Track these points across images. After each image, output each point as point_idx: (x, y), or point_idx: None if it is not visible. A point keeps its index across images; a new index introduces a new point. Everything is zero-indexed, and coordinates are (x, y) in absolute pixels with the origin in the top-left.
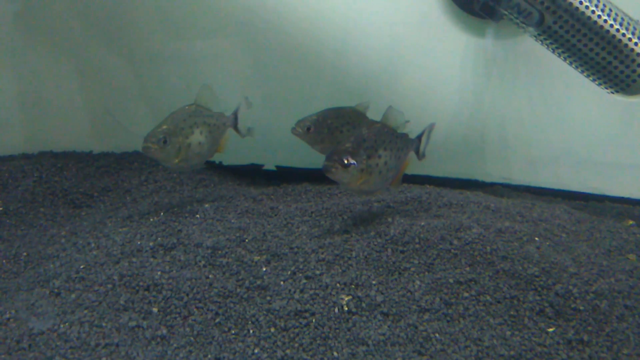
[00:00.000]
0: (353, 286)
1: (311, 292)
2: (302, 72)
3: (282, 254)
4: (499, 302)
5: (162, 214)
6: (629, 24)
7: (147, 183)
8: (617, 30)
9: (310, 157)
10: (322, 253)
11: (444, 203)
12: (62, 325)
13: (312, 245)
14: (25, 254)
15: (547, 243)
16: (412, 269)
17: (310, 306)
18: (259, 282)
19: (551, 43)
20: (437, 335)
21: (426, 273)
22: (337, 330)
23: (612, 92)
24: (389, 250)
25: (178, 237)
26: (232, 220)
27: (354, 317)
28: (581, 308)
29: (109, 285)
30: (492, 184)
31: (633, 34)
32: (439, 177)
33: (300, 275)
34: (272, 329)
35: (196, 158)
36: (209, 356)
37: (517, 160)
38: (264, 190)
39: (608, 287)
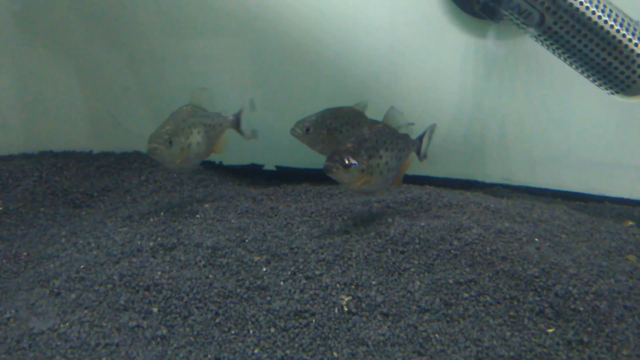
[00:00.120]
0: (353, 286)
1: (311, 292)
2: (302, 72)
3: (282, 254)
4: (498, 302)
5: (162, 214)
6: (629, 24)
7: (147, 183)
8: (618, 31)
9: (310, 158)
10: (322, 253)
11: (444, 204)
12: (62, 325)
13: (312, 245)
14: (25, 253)
15: (547, 244)
16: (412, 269)
17: (310, 306)
18: (259, 282)
19: (551, 44)
20: (436, 335)
21: (426, 273)
22: (337, 331)
23: (612, 93)
24: (389, 250)
25: (178, 237)
26: (232, 221)
27: (353, 317)
28: (581, 309)
29: (109, 285)
30: (492, 185)
31: (633, 34)
32: (439, 178)
33: (300, 275)
34: (272, 329)
35: (195, 158)
36: (209, 356)
37: (517, 161)
38: (264, 190)
39: (608, 288)
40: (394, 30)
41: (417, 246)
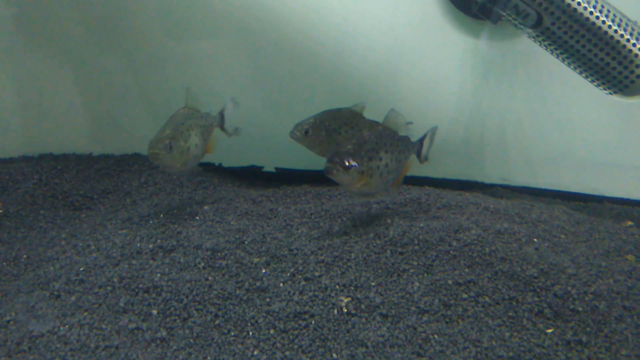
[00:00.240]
0: (352, 288)
1: (310, 293)
2: (301, 73)
3: (282, 256)
4: (497, 303)
5: (161, 216)
6: (627, 24)
7: (147, 185)
8: (615, 31)
9: (309, 159)
10: (322, 255)
11: (443, 204)
12: (62, 328)
13: (311, 247)
14: (25, 256)
15: (546, 244)
16: (411, 270)
17: (310, 308)
18: (258, 283)
19: (549, 44)
20: (436, 336)
21: (425, 274)
22: (337, 332)
23: (611, 93)
24: (388, 251)
25: (178, 239)
26: (232, 222)
27: (353, 318)
28: (580, 309)
29: (109, 288)
30: (491, 185)
31: (631, 34)
32: (438, 179)
33: (300, 277)
34: (272, 331)
35: (193, 160)
36: (209, 358)
37: (516, 162)
38: (263, 192)
39: (607, 288)
40: (393, 32)
41: (416, 247)
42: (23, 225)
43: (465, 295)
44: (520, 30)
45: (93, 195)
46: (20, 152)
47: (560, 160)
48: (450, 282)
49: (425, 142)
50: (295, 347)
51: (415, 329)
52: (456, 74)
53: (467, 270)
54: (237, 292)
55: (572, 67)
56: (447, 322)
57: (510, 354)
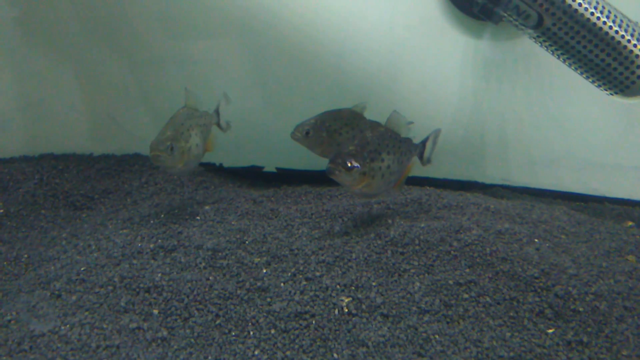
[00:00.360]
0: (353, 288)
1: (311, 293)
2: (302, 74)
3: (282, 256)
4: (498, 303)
5: (162, 215)
6: (627, 25)
7: (148, 185)
8: (616, 32)
9: (310, 159)
10: (322, 255)
11: (444, 205)
12: (62, 327)
13: (312, 247)
14: (26, 256)
15: (547, 244)
16: (412, 270)
17: (311, 308)
18: (259, 283)
19: (550, 45)
20: (436, 336)
21: (426, 274)
22: (337, 332)
23: (611, 94)
24: (389, 251)
25: (178, 239)
26: (233, 222)
27: (354, 318)
28: (581, 309)
29: (110, 287)
30: (492, 186)
31: (632, 35)
32: (439, 179)
33: (301, 276)
34: (272, 331)
35: (194, 160)
36: (209, 358)
37: (516, 162)
38: (264, 192)
39: (607, 289)
40: (393, 32)
41: (417, 247)
42: (24, 225)
43: (466, 296)
44: (521, 31)
45: (94, 195)
46: (21, 152)
47: (561, 161)
48: (451, 282)
49: (428, 145)
50: (296, 347)
51: (416, 329)
52: (457, 75)
53: (467, 270)
54: (238, 292)
55: (572, 67)
56: (448, 322)
57: (511, 354)
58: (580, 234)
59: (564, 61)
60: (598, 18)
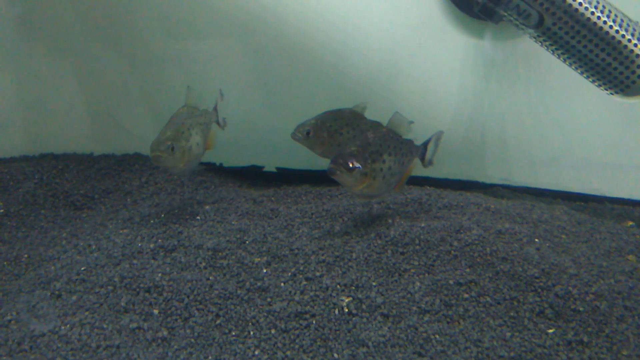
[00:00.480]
0: (353, 288)
1: (311, 293)
2: (302, 73)
3: (283, 256)
4: (499, 303)
5: (162, 215)
6: (628, 25)
7: (148, 185)
8: (617, 31)
9: (310, 159)
10: (323, 255)
11: (444, 204)
12: (63, 327)
13: (312, 246)
14: (26, 255)
15: (547, 244)
16: (412, 270)
17: (311, 308)
18: (259, 283)
19: (550, 44)
20: (437, 336)
21: (426, 274)
22: (338, 332)
23: (612, 94)
24: (389, 251)
25: (179, 238)
26: (233, 222)
27: (354, 318)
28: (581, 309)
29: (110, 287)
30: (492, 185)
31: (632, 35)
32: (439, 179)
33: (301, 276)
34: (273, 331)
35: (195, 159)
36: (210, 358)
37: (517, 162)
38: (264, 192)
39: (608, 288)
40: (394, 32)
41: (417, 247)
42: (24, 225)
43: (466, 295)
44: (521, 30)
45: (94, 195)
46: (22, 151)
47: (561, 161)
48: (451, 282)
49: (430, 147)
50: (297, 347)
51: (416, 329)
52: (457, 74)
53: (468, 270)
54: (238, 291)
55: (573, 67)
56: (448, 322)
57: (512, 354)
58: (580, 233)
59: (565, 61)
60: (598, 17)
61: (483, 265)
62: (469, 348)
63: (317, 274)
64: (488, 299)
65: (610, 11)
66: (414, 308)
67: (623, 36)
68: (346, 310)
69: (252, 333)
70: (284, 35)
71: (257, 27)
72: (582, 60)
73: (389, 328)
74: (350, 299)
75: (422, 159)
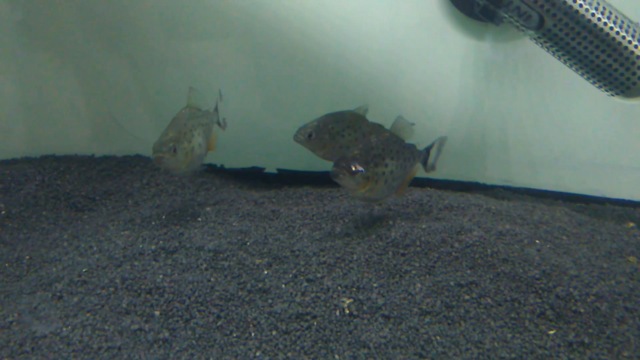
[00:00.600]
0: (354, 289)
1: (312, 295)
2: (303, 75)
3: (284, 257)
4: (499, 304)
5: (163, 217)
6: (628, 26)
7: (149, 186)
8: (617, 32)
9: (311, 160)
10: (324, 256)
11: (445, 206)
12: (64, 329)
13: (313, 248)
14: (27, 257)
15: (548, 245)
16: (413, 271)
17: (312, 309)
18: (260, 285)
19: (551, 46)
20: (438, 338)
21: (427, 276)
22: (339, 333)
23: (612, 95)
24: (390, 253)
25: (180, 240)
26: (234, 224)
27: (355, 320)
28: (582, 310)
29: (111, 289)
30: (493, 187)
31: (633, 36)
32: (440, 180)
33: (302, 278)
34: (274, 332)
35: (198, 160)
36: (211, 359)
37: (517, 163)
38: (265, 193)
39: (609, 290)
40: (395, 33)
41: (418, 248)
42: (25, 227)
43: (467, 297)
44: (522, 32)
45: (95, 196)
46: (23, 153)
47: (562, 162)
48: (452, 283)
49: (432, 152)
50: (298, 348)
51: (417, 330)
52: (458, 76)
53: (469, 271)
54: (239, 293)
55: (573, 68)
56: (449, 324)
57: (513, 355)
58: (581, 235)
59: (565, 62)
60: (599, 19)
61: (484, 266)
62: (470, 349)
63: (318, 275)
64: (489, 300)
65: (610, 12)
66: (415, 309)
67: (623, 37)
68: (347, 311)
69: (253, 334)
70: (285, 36)
71: (258, 29)
72: (583, 62)
73: (390, 329)
74: (351, 300)
75: (425, 163)
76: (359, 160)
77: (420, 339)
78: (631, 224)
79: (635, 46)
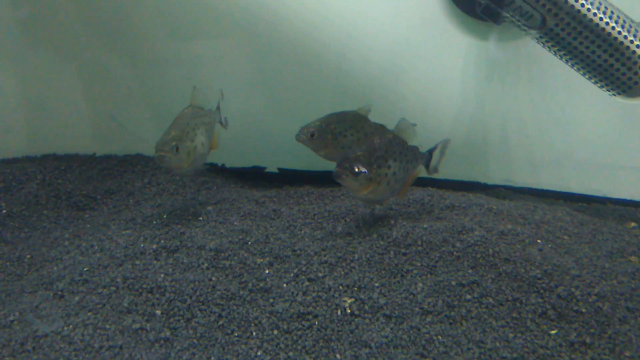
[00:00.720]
0: (356, 288)
1: (314, 294)
2: (304, 74)
3: (285, 257)
4: (501, 304)
5: (165, 216)
6: (630, 26)
7: (150, 186)
8: (619, 32)
9: (312, 160)
10: (325, 255)
11: (447, 205)
12: (65, 328)
13: (314, 247)
14: (28, 256)
15: (550, 245)
16: (415, 271)
17: (313, 308)
18: (261, 284)
19: (553, 45)
20: (439, 337)
21: (429, 275)
22: (340, 333)
23: (614, 95)
24: (392, 252)
25: (181, 239)
26: (235, 223)
27: (356, 319)
28: (583, 310)
29: (113, 288)
30: (495, 186)
31: (635, 36)
32: (442, 180)
33: (303, 277)
34: (275, 332)
35: (200, 159)
36: (212, 358)
37: (519, 163)
38: (266, 192)
39: (610, 290)
40: (396, 33)
41: (420, 248)
42: (26, 226)
43: (468, 296)
44: (523, 31)
45: (96, 195)
46: (24, 152)
47: (564, 162)
48: (453, 283)
49: (435, 154)
50: (299, 347)
51: (418, 329)
52: (459, 75)
53: (470, 271)
54: (241, 292)
55: (575, 68)
56: (450, 323)
57: (514, 355)
58: (582, 234)
59: (567, 62)
60: (601, 19)
61: (485, 266)
62: (472, 349)
63: (320, 274)
64: (490, 300)
65: (612, 12)
66: (417, 309)
67: (625, 37)
68: (348, 311)
69: (254, 334)
70: (287, 36)
71: (260, 28)
72: (585, 62)
73: (391, 329)
74: (353, 299)
75: (427, 165)
76: (362, 162)
77: (422, 338)
78: (633, 224)
79: (637, 46)
